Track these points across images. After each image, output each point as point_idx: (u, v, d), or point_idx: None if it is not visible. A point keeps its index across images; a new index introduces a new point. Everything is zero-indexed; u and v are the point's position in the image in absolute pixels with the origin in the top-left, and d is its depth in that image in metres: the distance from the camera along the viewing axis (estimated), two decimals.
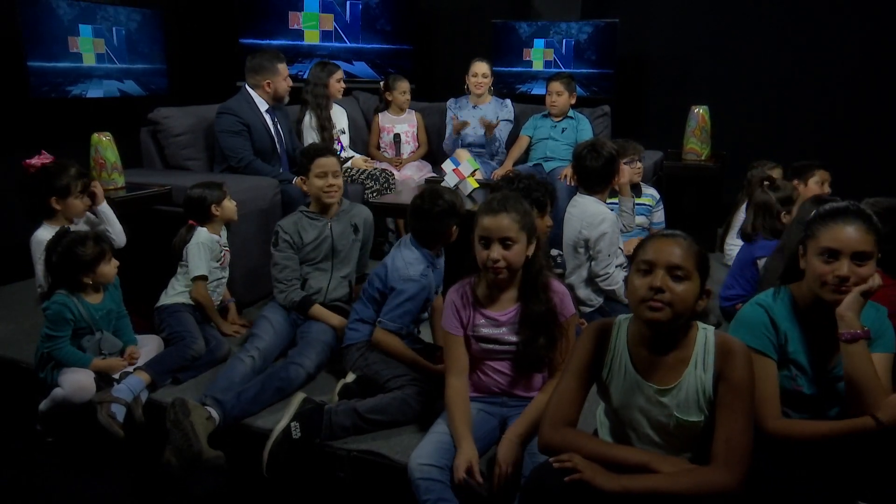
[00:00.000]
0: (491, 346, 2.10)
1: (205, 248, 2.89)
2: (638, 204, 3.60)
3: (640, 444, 1.68)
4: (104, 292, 2.59)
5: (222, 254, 3.00)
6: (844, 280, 1.67)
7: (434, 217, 2.47)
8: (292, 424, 2.15)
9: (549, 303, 2.07)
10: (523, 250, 2.02)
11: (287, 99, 3.87)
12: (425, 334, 2.79)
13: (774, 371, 1.76)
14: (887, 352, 1.77)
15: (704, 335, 1.63)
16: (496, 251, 1.98)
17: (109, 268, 2.55)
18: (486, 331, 2.09)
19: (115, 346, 2.59)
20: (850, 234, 1.67)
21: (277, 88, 3.74)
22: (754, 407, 1.61)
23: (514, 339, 2.08)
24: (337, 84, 4.22)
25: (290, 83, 3.82)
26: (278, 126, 3.82)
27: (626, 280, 1.73)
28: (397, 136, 4.62)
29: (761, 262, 2.90)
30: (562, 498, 1.52)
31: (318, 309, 2.80)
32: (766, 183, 3.29)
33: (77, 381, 2.41)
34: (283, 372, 2.53)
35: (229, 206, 3.01)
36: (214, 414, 2.28)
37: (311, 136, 4.17)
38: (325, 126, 4.16)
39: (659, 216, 3.72)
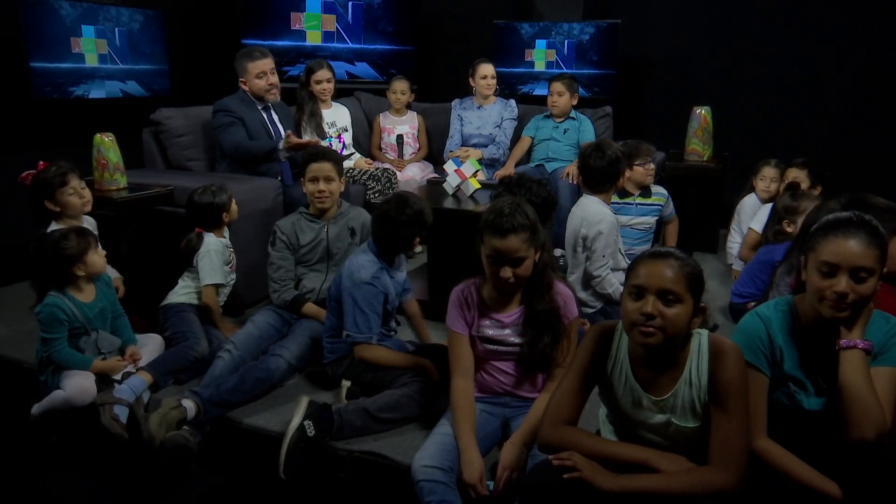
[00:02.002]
0: (495, 346, 2.10)
1: (217, 256, 2.90)
2: (648, 204, 3.59)
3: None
4: (95, 290, 2.58)
5: (231, 257, 3.01)
6: (842, 296, 1.57)
7: (399, 224, 2.41)
8: (305, 423, 2.15)
9: (553, 302, 2.07)
10: (532, 262, 2.03)
11: (272, 97, 3.73)
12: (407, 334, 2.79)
13: (764, 387, 1.69)
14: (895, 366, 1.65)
15: (698, 340, 1.63)
16: (507, 271, 1.98)
17: (98, 257, 2.55)
18: (490, 332, 2.10)
19: (114, 344, 2.58)
20: (850, 247, 1.57)
21: (251, 87, 3.67)
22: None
23: (518, 340, 2.08)
24: (317, 85, 4.16)
25: (271, 80, 3.67)
26: (278, 124, 3.80)
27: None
28: (400, 138, 4.62)
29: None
30: (561, 496, 1.53)
31: (309, 306, 2.80)
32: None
33: (78, 385, 2.40)
34: (262, 363, 2.54)
35: (235, 208, 3.03)
36: (187, 404, 2.29)
37: (305, 134, 4.14)
38: (301, 122, 4.11)
39: (669, 208, 3.70)
